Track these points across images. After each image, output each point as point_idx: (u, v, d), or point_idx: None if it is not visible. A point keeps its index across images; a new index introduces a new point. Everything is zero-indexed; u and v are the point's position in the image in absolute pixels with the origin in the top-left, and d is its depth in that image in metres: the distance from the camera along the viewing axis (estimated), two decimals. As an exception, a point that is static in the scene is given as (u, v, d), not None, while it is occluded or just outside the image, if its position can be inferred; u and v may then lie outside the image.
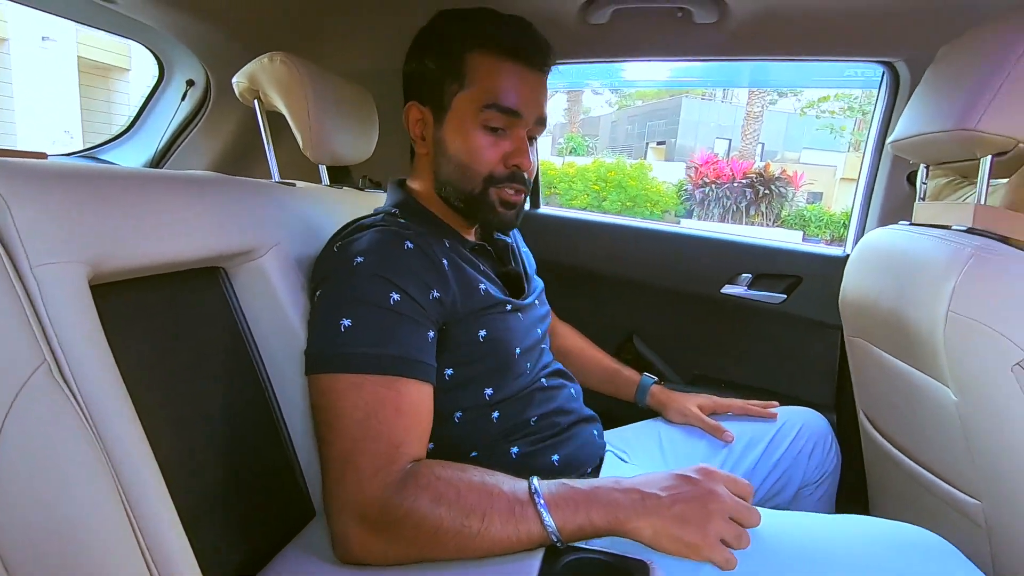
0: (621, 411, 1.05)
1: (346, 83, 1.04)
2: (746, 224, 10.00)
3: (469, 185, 0.73)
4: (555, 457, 0.77)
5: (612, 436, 0.96)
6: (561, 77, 1.52)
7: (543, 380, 0.81)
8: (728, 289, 1.29)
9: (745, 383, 1.31)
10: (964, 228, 0.71)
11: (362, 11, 1.10)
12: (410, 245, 0.67)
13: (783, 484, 0.93)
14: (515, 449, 0.74)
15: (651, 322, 1.39)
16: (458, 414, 0.72)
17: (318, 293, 0.67)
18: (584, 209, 9.14)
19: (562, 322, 1.11)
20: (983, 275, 0.63)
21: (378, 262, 0.64)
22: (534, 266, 0.95)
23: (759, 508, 0.59)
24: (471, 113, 0.71)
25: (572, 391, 0.86)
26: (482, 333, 0.71)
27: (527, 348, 0.77)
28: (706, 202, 10.35)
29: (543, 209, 1.54)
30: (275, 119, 1.02)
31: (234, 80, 1.01)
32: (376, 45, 1.27)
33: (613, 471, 0.84)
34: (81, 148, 1.53)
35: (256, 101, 1.01)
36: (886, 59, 1.10)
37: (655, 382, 1.03)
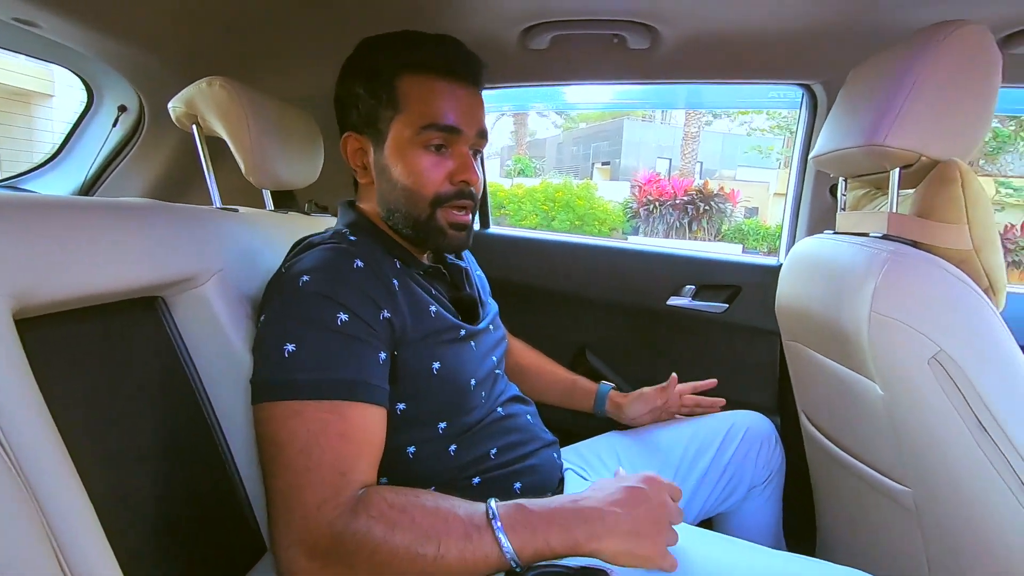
0: (579, 427, 1.06)
1: (288, 107, 1.03)
2: (689, 239, 10.38)
3: (416, 210, 0.72)
4: (517, 485, 0.76)
5: (570, 453, 0.97)
6: (506, 100, 1.55)
7: (500, 410, 0.80)
8: (674, 300, 1.33)
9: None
10: (880, 235, 0.77)
11: (298, 37, 1.10)
12: (359, 264, 0.65)
13: (734, 485, 0.97)
14: (476, 480, 0.74)
15: (602, 335, 1.42)
16: (411, 449, 0.70)
17: (263, 317, 0.64)
18: (534, 229, 9.26)
19: (516, 339, 1.11)
20: (898, 277, 0.69)
21: (324, 281, 0.62)
22: (488, 289, 0.95)
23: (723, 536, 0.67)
24: (409, 136, 0.71)
25: (529, 417, 0.86)
26: (436, 366, 0.69)
27: (482, 379, 0.76)
28: (651, 219, 10.69)
29: (493, 229, 1.56)
30: (215, 144, 1.00)
31: (170, 105, 0.99)
32: (316, 70, 1.26)
33: (574, 489, 0.84)
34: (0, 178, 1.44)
35: (194, 126, 0.98)
36: (804, 82, 1.19)
37: (612, 388, 1.05)
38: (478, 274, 0.95)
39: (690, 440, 0.97)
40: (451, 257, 0.86)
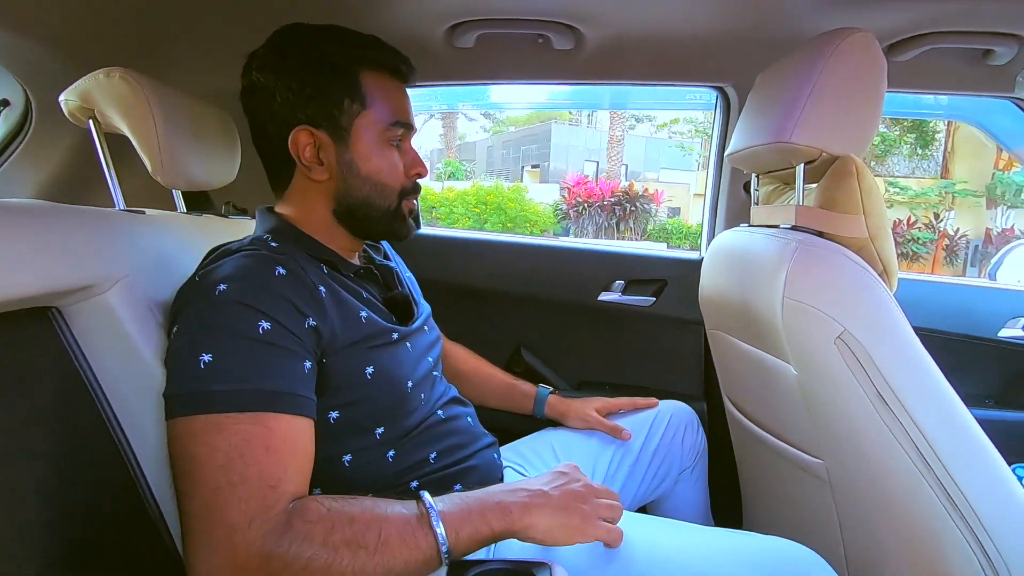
0: (518, 426, 1.07)
1: (199, 103, 0.96)
2: (617, 239, 10.73)
3: (387, 202, 0.74)
4: (457, 487, 0.76)
5: (508, 451, 0.98)
6: (436, 99, 1.53)
7: (439, 412, 0.79)
8: (604, 296, 1.37)
9: (626, 383, 1.40)
10: (789, 226, 0.83)
11: (207, 28, 1.04)
12: (281, 271, 0.63)
13: (665, 471, 1.01)
14: (414, 484, 0.73)
15: (536, 333, 1.44)
16: (347, 457, 0.68)
17: (175, 328, 0.60)
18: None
19: (454, 343, 1.10)
20: (806, 265, 0.74)
21: (243, 289, 0.59)
22: (419, 291, 0.94)
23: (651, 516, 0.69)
24: (378, 132, 0.72)
25: (469, 419, 0.86)
26: (369, 370, 0.68)
27: (419, 380, 0.75)
28: (580, 220, 10.96)
29: (425, 230, 1.54)
30: (117, 142, 0.92)
31: (62, 98, 0.90)
32: (228, 64, 1.20)
33: None
34: None
35: (91, 121, 0.90)
36: (717, 84, 1.26)
37: (551, 392, 1.07)
38: (407, 275, 0.93)
39: None
40: (379, 258, 0.84)
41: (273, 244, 0.68)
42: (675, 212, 13.30)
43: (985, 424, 0.73)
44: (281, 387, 0.57)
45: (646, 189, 11.53)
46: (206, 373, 0.55)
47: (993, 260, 1.72)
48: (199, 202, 1.07)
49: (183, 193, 1.03)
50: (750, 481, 1.09)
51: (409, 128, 0.75)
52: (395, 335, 0.73)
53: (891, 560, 0.76)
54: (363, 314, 0.70)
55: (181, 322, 0.60)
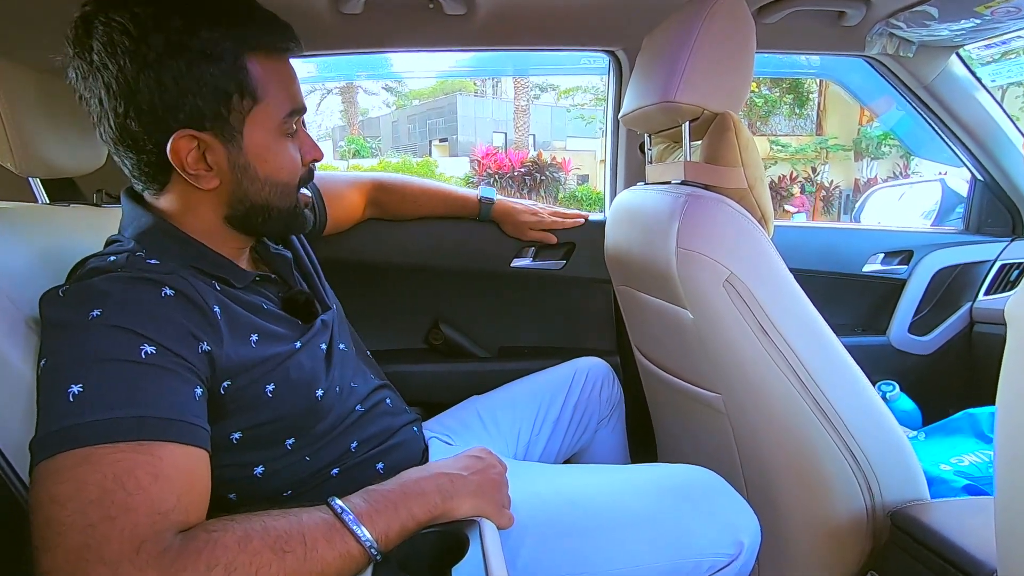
0: (439, 396, 1.08)
1: (54, 78, 0.86)
2: (530, 209, 10.89)
3: (286, 201, 0.67)
4: (380, 465, 0.75)
5: (433, 424, 0.99)
6: (329, 70, 1.46)
7: (358, 407, 0.76)
8: (516, 263, 1.39)
9: (543, 344, 1.45)
10: (679, 181, 0.89)
11: None
12: (169, 292, 0.55)
13: (586, 423, 1.07)
14: (335, 471, 0.71)
15: (453, 305, 1.44)
16: (259, 469, 0.64)
17: (42, 363, 0.51)
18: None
19: (388, 177, 1.23)
20: (696, 216, 0.80)
21: (122, 314, 0.51)
22: (320, 272, 0.85)
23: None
24: (274, 127, 0.63)
25: (389, 401, 0.83)
26: (269, 387, 0.62)
27: (331, 383, 0.70)
28: (493, 192, 11.00)
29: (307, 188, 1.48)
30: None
31: None
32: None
33: (439, 456, 0.83)
34: None
35: (-87, 104, 0.78)
36: (608, 48, 1.29)
37: (493, 201, 1.26)
38: (306, 256, 0.84)
39: (542, 392, 1.05)
40: (275, 247, 0.77)
41: (151, 261, 0.59)
42: (584, 179, 13.64)
43: (851, 348, 0.83)
44: (170, 415, 0.49)
45: (554, 158, 11.73)
46: (75, 407, 0.47)
47: (856, 205, 1.93)
48: (63, 191, 0.96)
49: (43, 182, 0.92)
50: (661, 421, 1.18)
51: (303, 111, 0.67)
52: (297, 344, 0.67)
53: (779, 473, 0.86)
54: (254, 338, 0.62)
55: (46, 351, 0.51)
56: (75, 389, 0.47)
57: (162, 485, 0.46)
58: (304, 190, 0.70)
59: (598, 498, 0.74)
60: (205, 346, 0.56)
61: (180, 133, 0.59)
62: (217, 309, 0.59)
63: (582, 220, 1.31)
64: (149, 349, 0.51)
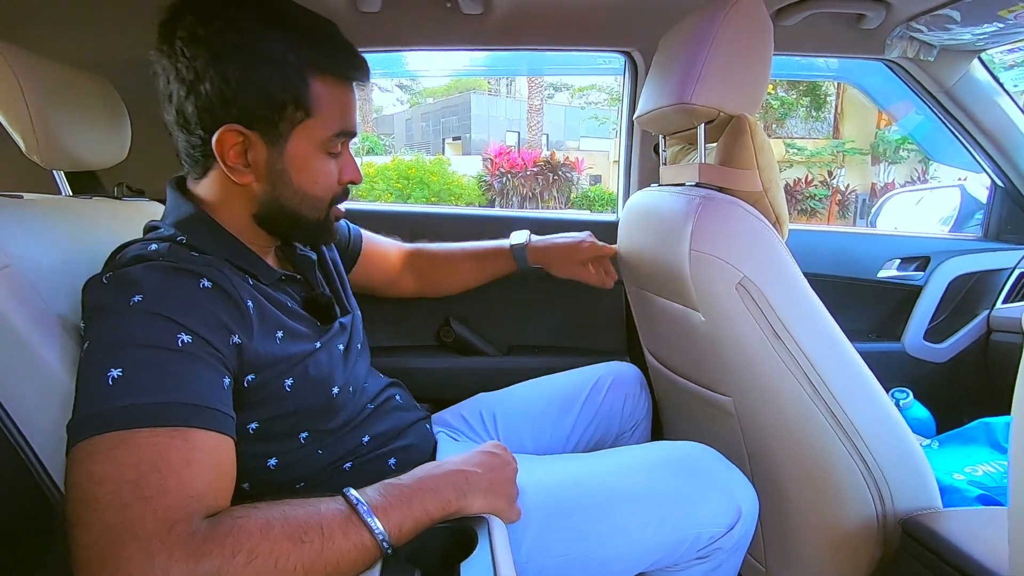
0: (448, 392, 1.08)
1: (79, 73, 0.88)
2: (542, 208, 10.87)
3: (315, 212, 0.69)
4: (392, 461, 0.76)
5: (441, 418, 1.00)
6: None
7: (369, 405, 0.78)
8: (529, 262, 1.40)
9: (553, 344, 1.45)
10: (694, 183, 0.88)
11: None
12: (207, 284, 0.57)
13: (602, 434, 1.04)
14: (348, 465, 0.73)
15: (463, 303, 1.44)
16: (272, 461, 0.66)
17: (85, 345, 0.54)
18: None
19: (409, 248, 1.14)
20: (709, 218, 0.79)
21: (163, 302, 0.54)
22: (343, 270, 0.90)
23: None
24: (319, 142, 0.66)
25: (399, 398, 0.85)
26: (288, 382, 0.64)
27: (345, 382, 0.73)
28: (505, 191, 10.99)
29: (344, 204, 1.49)
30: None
31: None
32: (107, 31, 1.09)
33: (447, 453, 0.85)
34: None
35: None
36: (624, 49, 1.29)
37: (525, 243, 1.12)
38: (331, 257, 0.88)
39: (555, 396, 1.03)
40: (301, 248, 0.79)
41: (193, 254, 0.61)
42: (596, 180, 13.61)
43: (865, 354, 0.82)
44: (202, 402, 0.52)
45: (567, 158, 11.70)
46: (115, 390, 0.49)
47: (872, 210, 1.90)
48: (86, 183, 0.98)
49: (67, 175, 0.94)
50: (670, 422, 1.18)
51: (350, 135, 0.69)
52: (317, 343, 0.70)
53: (789, 477, 0.86)
54: (283, 333, 0.66)
55: (89, 335, 0.54)
56: (115, 373, 0.50)
57: (194, 470, 0.49)
58: (340, 208, 0.74)
59: (599, 477, 0.76)
60: (236, 339, 0.58)
61: (229, 127, 0.61)
62: (250, 303, 0.61)
63: (612, 251, 1.15)
64: (186, 338, 0.53)
